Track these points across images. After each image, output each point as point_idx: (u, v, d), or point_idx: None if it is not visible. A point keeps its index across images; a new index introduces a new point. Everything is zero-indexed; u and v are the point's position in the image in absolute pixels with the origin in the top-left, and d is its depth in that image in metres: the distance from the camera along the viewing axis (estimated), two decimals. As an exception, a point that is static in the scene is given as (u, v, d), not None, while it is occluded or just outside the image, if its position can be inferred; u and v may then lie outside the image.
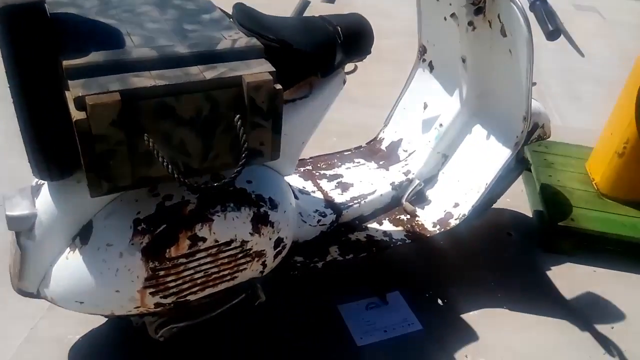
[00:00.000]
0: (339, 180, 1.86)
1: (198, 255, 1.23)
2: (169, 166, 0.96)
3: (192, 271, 1.25)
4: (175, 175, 0.97)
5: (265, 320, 1.69)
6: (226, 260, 1.28)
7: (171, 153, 1.00)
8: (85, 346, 1.56)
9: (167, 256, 1.19)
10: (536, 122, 1.85)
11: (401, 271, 1.95)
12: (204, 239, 1.22)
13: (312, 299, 1.79)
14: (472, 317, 1.79)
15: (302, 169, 1.91)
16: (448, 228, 1.78)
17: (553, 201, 2.21)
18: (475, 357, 1.66)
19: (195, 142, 1.02)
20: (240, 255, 1.30)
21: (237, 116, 1.03)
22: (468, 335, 1.73)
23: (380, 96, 2.59)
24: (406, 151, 2.01)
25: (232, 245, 1.27)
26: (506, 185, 2.02)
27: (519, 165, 1.98)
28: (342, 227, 1.72)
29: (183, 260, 1.22)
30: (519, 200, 2.36)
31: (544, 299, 1.89)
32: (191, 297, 1.30)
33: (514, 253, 2.10)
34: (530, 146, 2.47)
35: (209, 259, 1.25)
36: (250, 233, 1.28)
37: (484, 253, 2.07)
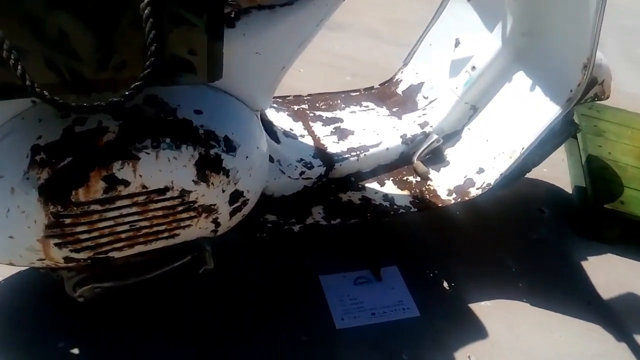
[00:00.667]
0: (337, 125, 1.51)
1: (119, 203, 0.92)
2: (18, 67, 0.63)
3: (111, 222, 0.94)
4: (28, 83, 0.64)
5: (223, 285, 1.40)
6: (160, 213, 0.97)
7: (45, 51, 0.67)
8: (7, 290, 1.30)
9: (73, 200, 0.88)
10: (595, 77, 1.44)
11: (403, 243, 1.62)
12: (125, 183, 0.90)
13: (288, 264, 1.49)
14: (482, 308, 1.47)
15: (295, 107, 1.56)
16: (466, 198, 1.42)
17: (600, 177, 1.81)
18: (479, 358, 1.34)
19: (85, 36, 0.68)
20: (180, 209, 0.98)
21: (146, -1, 0.67)
22: (475, 329, 1.41)
23: (407, 35, 2.17)
24: (426, 98, 1.63)
25: (168, 195, 0.95)
26: (546, 152, 1.63)
27: (565, 128, 1.59)
28: (332, 184, 1.38)
29: (97, 207, 0.91)
30: (558, 171, 1.97)
31: (574, 296, 1.54)
32: (115, 254, 1.00)
33: (543, 235, 1.73)
34: (580, 108, 2.05)
35: (135, 209, 0.94)
36: (193, 181, 0.95)
37: (506, 231, 1.72)
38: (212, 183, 0.97)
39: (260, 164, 1.07)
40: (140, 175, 0.91)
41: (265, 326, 1.32)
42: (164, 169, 0.92)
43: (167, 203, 0.96)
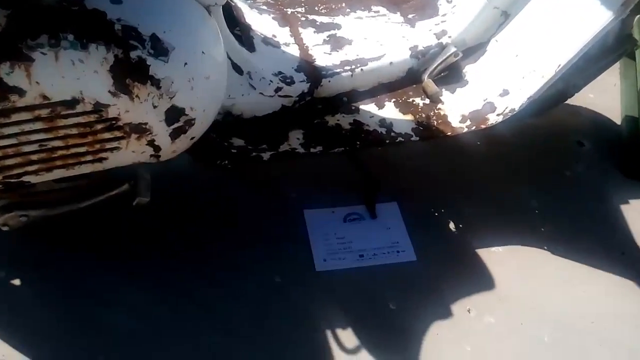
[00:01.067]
0: (332, 32, 1.25)
1: (15, 117, 0.74)
2: None
3: (13, 141, 0.77)
4: None
5: (193, 214, 1.24)
6: (75, 131, 0.79)
7: None
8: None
9: (-45, 112, 0.70)
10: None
11: (406, 175, 1.40)
12: (19, 91, 0.71)
13: (269, 194, 1.31)
14: (492, 255, 1.26)
15: (288, 11, 1.30)
16: (483, 126, 1.17)
17: (659, 107, 1.50)
18: (481, 313, 1.16)
19: None
20: (100, 127, 0.79)
21: None
22: (480, 279, 1.21)
23: None
24: (450, 2, 1.33)
25: (78, 109, 0.76)
26: (592, 73, 1.34)
27: (619, 43, 1.28)
28: (318, 104, 1.15)
29: (-13, 121, 0.73)
30: (606, 97, 1.65)
31: (606, 245, 1.30)
32: (31, 179, 0.83)
33: (579, 172, 1.47)
34: (643, 21, 1.68)
35: (40, 126, 0.76)
36: (110, 92, 0.75)
37: (534, 166, 1.46)
38: (136, 96, 0.77)
39: (209, 74, 0.85)
40: (37, 82, 0.71)
41: (234, 263, 1.17)
42: (68, 75, 0.72)
43: (80, 119, 0.77)
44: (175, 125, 0.85)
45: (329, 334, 1.08)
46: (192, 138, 0.91)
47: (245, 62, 1.05)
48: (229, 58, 1.00)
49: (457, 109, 1.21)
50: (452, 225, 1.31)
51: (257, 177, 1.34)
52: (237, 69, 1.04)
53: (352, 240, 1.25)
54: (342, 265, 1.20)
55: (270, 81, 1.08)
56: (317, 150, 1.08)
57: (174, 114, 0.83)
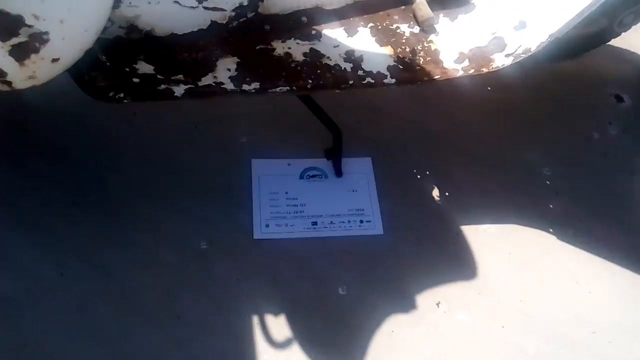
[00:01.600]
0: None
1: None
2: None
3: None
4: None
5: (93, 154, 1.01)
6: None
7: None
8: None
9: None
10: None
11: (390, 123, 1.12)
12: None
13: (206, 133, 1.06)
14: (481, 235, 1.00)
15: None
16: (485, 70, 0.87)
17: None
18: (453, 309, 0.92)
19: None
20: None
21: None
22: (460, 265, 0.96)
23: None
24: None
25: None
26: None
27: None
28: (264, 24, 0.86)
29: None
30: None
31: (632, 237, 1.02)
32: None
33: (612, 136, 1.16)
34: None
35: None
36: None
37: (553, 124, 1.16)
38: None
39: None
40: None
41: (151, 222, 0.95)
42: None
43: None
44: (15, 40, 0.59)
45: (255, 320, 0.87)
46: (56, 60, 0.65)
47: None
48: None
49: (454, 43, 0.90)
50: (436, 193, 1.04)
51: (194, 115, 1.08)
52: (142, -33, 0.75)
53: (306, 202, 1.01)
54: (288, 234, 0.96)
55: (194, -11, 0.79)
56: (252, 88, 0.80)
57: (6, 25, 0.57)
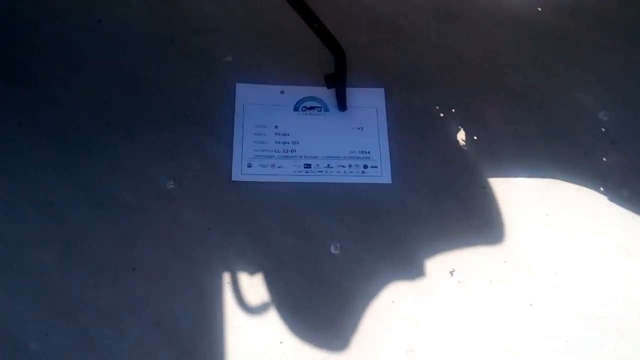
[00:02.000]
0: None
1: None
2: None
3: None
4: None
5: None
6: None
7: None
8: None
9: None
10: None
11: (412, 45, 0.91)
12: None
13: (184, 48, 0.86)
14: (512, 189, 0.81)
15: None
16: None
17: None
18: (468, 279, 0.74)
19: None
20: None
21: None
22: (485, 226, 0.78)
23: None
24: None
25: None
26: None
27: None
28: None
29: None
30: None
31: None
32: None
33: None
34: None
35: None
36: None
37: (617, 60, 0.93)
38: None
39: None
40: None
41: (110, 154, 0.78)
42: None
43: None
44: None
45: (226, 279, 0.71)
46: None
47: None
48: None
49: None
50: (461, 136, 0.84)
51: (170, 26, 0.88)
52: None
53: (299, 140, 0.82)
54: (274, 177, 0.79)
55: None
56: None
57: None
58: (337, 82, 0.82)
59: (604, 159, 0.84)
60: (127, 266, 0.71)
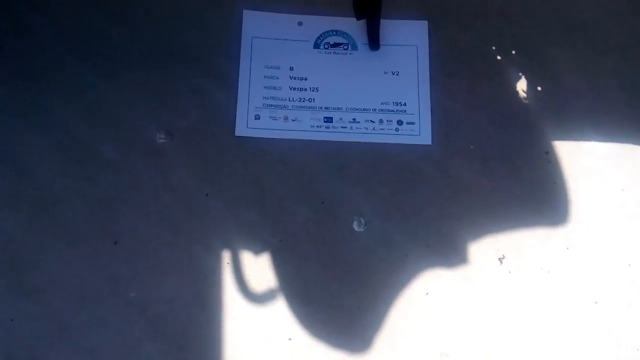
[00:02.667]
0: None
1: None
2: None
3: None
4: None
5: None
6: None
7: None
8: None
9: None
10: None
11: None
12: None
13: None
14: (583, 156, 0.65)
15: None
16: None
17: None
18: (520, 268, 0.61)
19: None
20: None
21: None
22: (545, 202, 0.63)
23: None
24: None
25: None
26: None
27: None
28: None
29: None
30: None
31: None
32: None
33: None
34: None
35: None
36: None
37: None
38: None
39: None
40: None
41: (88, 97, 0.63)
42: None
43: None
44: None
45: (225, 258, 0.59)
46: None
47: None
48: None
49: None
50: (522, 85, 0.67)
51: None
52: None
53: (319, 86, 0.66)
54: (287, 133, 0.64)
55: None
56: None
57: None
58: (370, 12, 0.65)
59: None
60: (107, 239, 0.59)
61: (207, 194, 0.62)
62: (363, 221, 0.61)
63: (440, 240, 0.61)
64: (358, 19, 0.65)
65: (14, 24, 0.66)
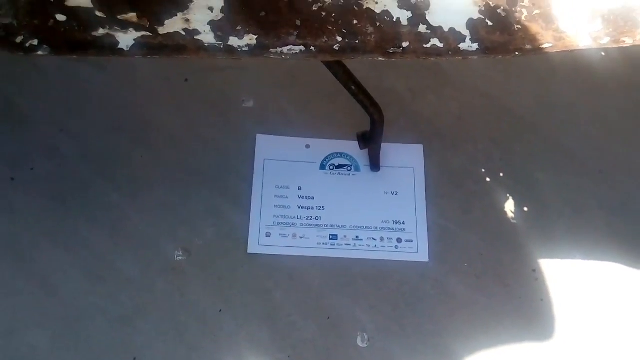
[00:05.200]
0: None
1: None
2: None
3: None
4: None
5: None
6: None
7: None
8: None
9: None
10: None
11: (449, 98, 0.80)
12: None
13: (197, 92, 0.76)
14: (568, 270, 0.71)
15: None
16: (630, 41, 0.53)
17: None
18: (517, 378, 0.65)
19: None
20: None
21: None
22: (539, 322, 0.68)
23: None
24: None
25: None
26: None
27: None
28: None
29: None
30: None
31: None
32: None
33: None
34: None
35: None
36: None
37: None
38: None
39: None
40: None
41: (112, 216, 0.69)
42: None
43: None
44: None
45: (237, 375, 0.63)
46: None
47: None
48: None
49: (577, 22, 0.56)
50: (510, 206, 0.74)
51: (186, 64, 0.78)
52: None
53: (325, 205, 0.72)
54: (296, 250, 0.69)
55: None
56: (243, 44, 0.50)
57: None
58: (372, 142, 0.72)
59: (675, 240, 0.73)
60: (127, 355, 0.63)
61: (220, 310, 0.66)
62: (366, 337, 0.65)
63: (440, 357, 0.65)
64: (362, 148, 0.72)
65: (44, 146, 0.73)
